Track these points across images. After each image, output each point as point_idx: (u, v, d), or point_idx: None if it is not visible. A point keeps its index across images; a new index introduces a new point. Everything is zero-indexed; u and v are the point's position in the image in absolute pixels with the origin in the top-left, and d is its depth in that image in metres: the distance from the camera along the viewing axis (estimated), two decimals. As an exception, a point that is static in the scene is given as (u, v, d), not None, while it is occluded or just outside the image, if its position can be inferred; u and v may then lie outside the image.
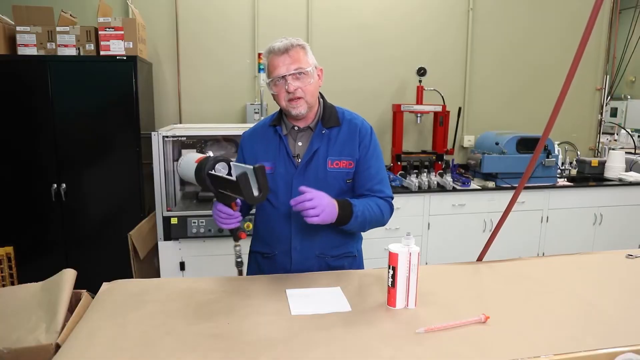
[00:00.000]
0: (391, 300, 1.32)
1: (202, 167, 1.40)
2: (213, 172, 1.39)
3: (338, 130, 1.62)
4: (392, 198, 1.68)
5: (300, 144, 1.62)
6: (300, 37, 1.57)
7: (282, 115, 1.65)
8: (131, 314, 1.28)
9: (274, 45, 1.52)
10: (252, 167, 1.34)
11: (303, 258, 1.64)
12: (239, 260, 1.60)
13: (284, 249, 1.64)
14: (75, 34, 2.93)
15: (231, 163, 1.43)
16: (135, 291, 1.43)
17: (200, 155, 1.48)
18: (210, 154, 1.47)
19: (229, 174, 1.42)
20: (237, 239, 1.56)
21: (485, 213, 3.52)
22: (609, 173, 3.94)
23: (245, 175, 1.30)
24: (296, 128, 1.62)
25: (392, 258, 1.31)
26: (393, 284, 1.31)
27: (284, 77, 1.50)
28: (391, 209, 1.67)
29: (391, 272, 1.31)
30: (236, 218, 1.51)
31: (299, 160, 1.60)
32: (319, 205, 1.41)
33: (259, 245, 1.73)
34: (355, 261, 1.74)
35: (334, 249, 1.66)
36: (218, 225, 1.51)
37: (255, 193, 1.34)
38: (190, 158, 1.50)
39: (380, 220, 1.63)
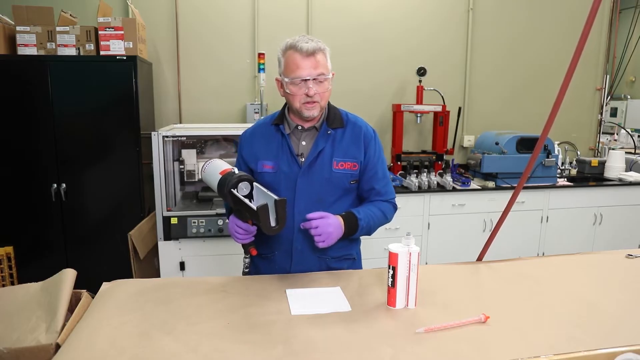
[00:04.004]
0: (391, 300, 1.32)
1: (225, 183, 1.43)
2: (235, 191, 1.42)
3: (342, 131, 1.63)
4: (395, 197, 1.73)
5: (304, 143, 1.62)
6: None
7: (284, 114, 1.64)
8: (131, 314, 1.28)
9: (300, 44, 1.48)
10: (274, 198, 1.36)
11: (304, 259, 1.63)
12: (246, 270, 1.63)
13: (284, 249, 1.64)
14: (75, 34, 2.93)
15: (254, 184, 1.45)
16: (135, 291, 1.43)
17: (225, 168, 1.49)
18: (236, 170, 1.48)
19: (250, 193, 1.44)
20: (247, 252, 1.58)
21: (485, 213, 3.52)
22: (609, 173, 3.94)
23: (265, 207, 1.33)
24: (300, 127, 1.62)
25: (392, 258, 1.31)
26: (393, 284, 1.31)
27: (305, 79, 1.49)
28: (395, 208, 1.73)
29: (391, 272, 1.31)
30: (251, 233, 1.53)
31: (303, 159, 1.60)
32: (324, 233, 1.48)
33: (257, 247, 1.72)
34: (354, 264, 1.74)
35: (335, 251, 1.66)
36: (234, 239, 1.54)
37: (273, 224, 1.37)
38: (216, 167, 1.52)
39: (384, 222, 1.69)
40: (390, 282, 1.32)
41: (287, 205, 1.57)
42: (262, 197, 1.44)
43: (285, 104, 1.65)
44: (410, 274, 1.31)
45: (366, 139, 1.63)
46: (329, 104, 1.66)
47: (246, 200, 1.40)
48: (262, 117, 1.80)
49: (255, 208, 1.33)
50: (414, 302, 1.32)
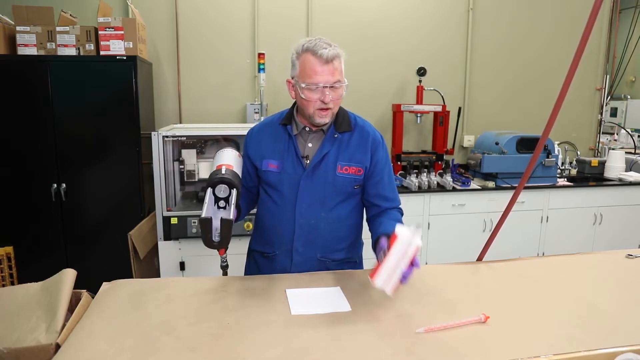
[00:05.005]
0: (373, 273, 1.27)
1: (209, 178, 1.41)
2: (211, 190, 1.40)
3: (350, 135, 1.61)
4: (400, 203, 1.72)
5: (310, 145, 1.61)
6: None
7: (292, 115, 1.62)
8: (131, 314, 1.28)
9: (319, 50, 1.43)
10: (223, 218, 1.36)
11: (304, 260, 1.63)
12: (223, 264, 1.62)
13: (285, 249, 1.63)
14: (75, 33, 2.92)
15: (232, 191, 1.41)
16: (135, 291, 1.43)
17: (222, 162, 1.47)
18: (223, 168, 1.43)
19: (228, 197, 1.41)
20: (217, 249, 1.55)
21: (485, 213, 3.52)
22: (609, 173, 3.94)
23: (209, 221, 1.35)
24: (307, 129, 1.60)
25: (393, 239, 1.26)
26: (382, 260, 1.26)
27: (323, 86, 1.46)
28: (402, 214, 1.71)
29: (386, 249, 1.28)
30: None
31: (308, 161, 1.59)
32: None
33: (259, 245, 1.72)
34: (355, 266, 1.74)
35: (336, 253, 1.66)
36: None
37: (215, 239, 1.37)
38: (218, 159, 1.51)
39: None
40: (380, 258, 1.30)
41: (289, 205, 1.58)
42: (209, 215, 1.40)
43: (294, 104, 1.63)
44: (400, 262, 1.25)
45: (374, 144, 1.62)
46: None
47: (205, 205, 1.38)
48: (269, 115, 1.77)
49: (200, 216, 1.35)
50: (390, 289, 1.26)
